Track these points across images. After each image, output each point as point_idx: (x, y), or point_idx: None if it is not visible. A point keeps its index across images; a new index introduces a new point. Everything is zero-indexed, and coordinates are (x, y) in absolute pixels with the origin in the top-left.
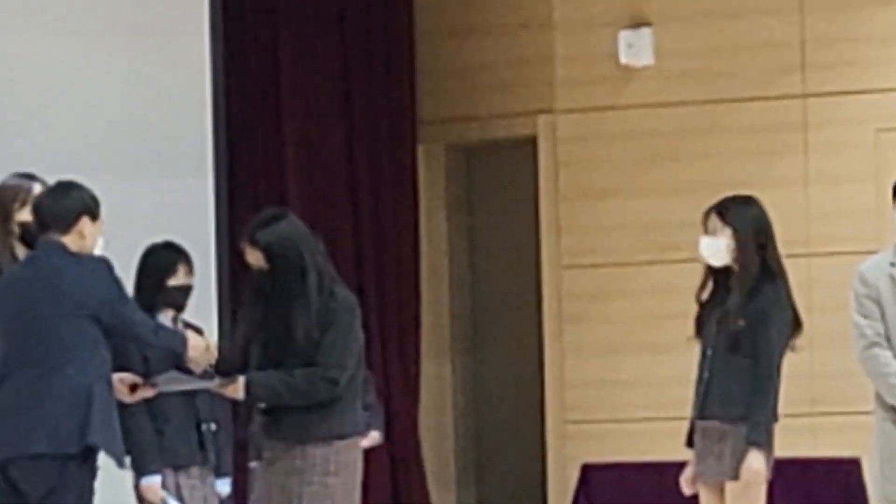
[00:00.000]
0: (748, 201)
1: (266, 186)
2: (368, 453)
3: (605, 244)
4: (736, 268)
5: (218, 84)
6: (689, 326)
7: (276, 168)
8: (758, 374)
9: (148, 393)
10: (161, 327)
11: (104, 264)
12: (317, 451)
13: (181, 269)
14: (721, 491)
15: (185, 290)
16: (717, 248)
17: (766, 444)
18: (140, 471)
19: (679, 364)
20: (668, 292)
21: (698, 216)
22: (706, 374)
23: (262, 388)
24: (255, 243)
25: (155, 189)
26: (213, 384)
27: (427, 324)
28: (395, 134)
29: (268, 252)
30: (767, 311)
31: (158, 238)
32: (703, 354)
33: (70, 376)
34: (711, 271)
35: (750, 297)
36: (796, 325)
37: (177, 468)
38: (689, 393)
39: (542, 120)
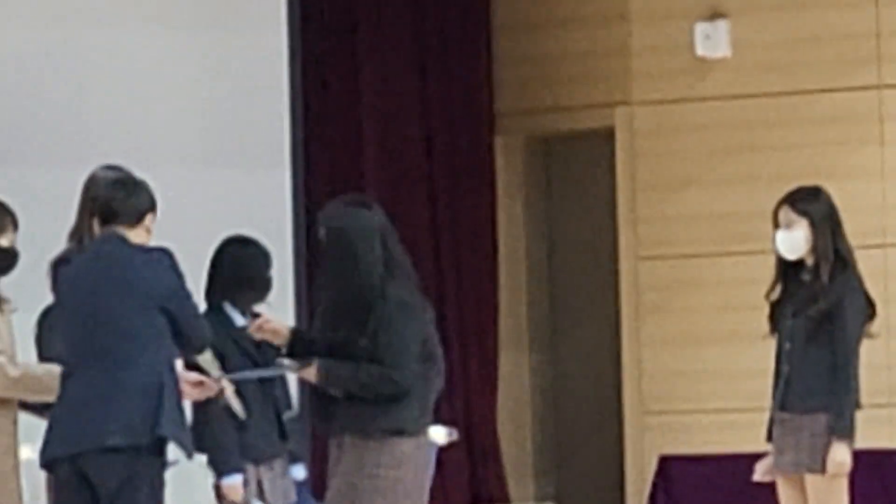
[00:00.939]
0: (818, 191)
1: (343, 178)
2: (447, 446)
3: (682, 235)
4: (810, 259)
5: (295, 75)
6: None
7: (353, 159)
8: (836, 363)
9: (212, 391)
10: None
11: (169, 256)
12: (379, 445)
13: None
14: (800, 484)
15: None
16: (795, 241)
17: (849, 435)
18: (221, 470)
19: (757, 355)
20: (746, 282)
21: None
22: (785, 368)
23: (333, 376)
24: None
25: (232, 180)
26: (291, 367)
27: (505, 316)
28: (473, 126)
29: (326, 235)
30: (843, 298)
31: (235, 229)
32: (781, 348)
33: (140, 368)
34: (781, 267)
35: (825, 289)
36: (871, 311)
37: (258, 462)
38: (767, 384)
39: (619, 111)
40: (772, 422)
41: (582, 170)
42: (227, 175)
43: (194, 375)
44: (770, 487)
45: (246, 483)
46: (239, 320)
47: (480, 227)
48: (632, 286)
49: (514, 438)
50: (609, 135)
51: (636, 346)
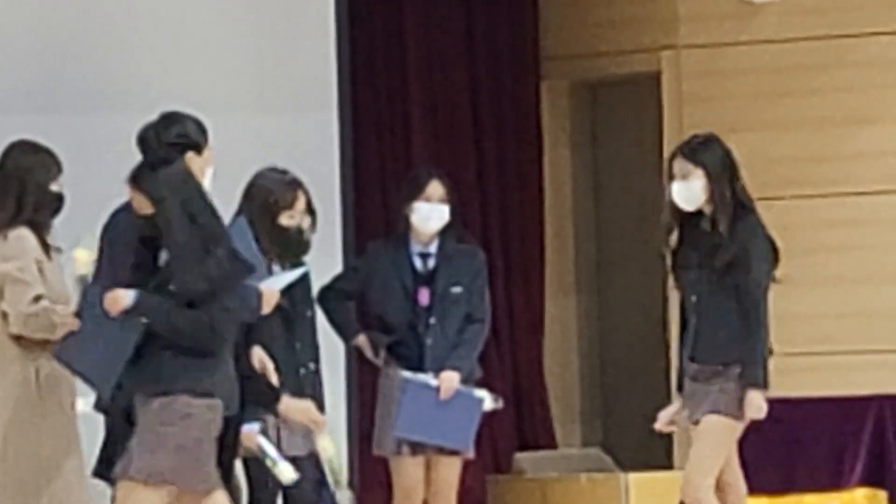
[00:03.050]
0: (712, 140)
1: (389, 123)
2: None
3: None
4: (708, 209)
5: (341, 19)
6: (814, 261)
7: (399, 105)
8: (745, 312)
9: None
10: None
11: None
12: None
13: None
14: None
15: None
16: (692, 191)
17: (763, 384)
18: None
19: (805, 300)
20: (794, 227)
21: (822, 151)
22: (693, 319)
23: None
24: None
25: (279, 124)
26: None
27: (551, 262)
28: (519, 71)
29: None
30: (746, 246)
31: None
32: (687, 300)
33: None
34: (678, 218)
35: (727, 238)
36: (775, 256)
37: (277, 413)
38: (819, 327)
39: (665, 56)
40: (681, 372)
41: (628, 114)
42: (273, 119)
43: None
44: (818, 432)
45: (266, 431)
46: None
47: (526, 171)
48: None
49: (561, 384)
50: (655, 79)
51: None
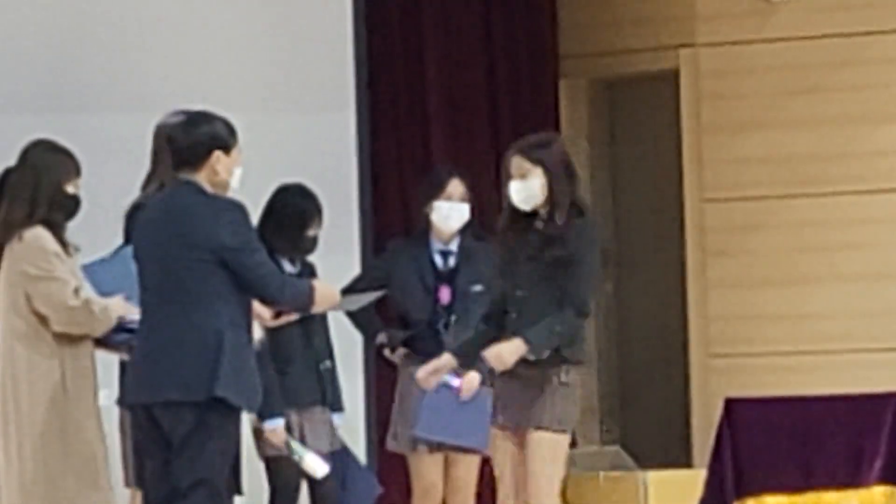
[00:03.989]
0: (550, 139)
1: (407, 122)
2: None
3: (747, 177)
4: (545, 209)
5: (359, 17)
6: (833, 259)
7: (417, 104)
8: (569, 313)
9: (292, 315)
10: (288, 282)
11: (237, 209)
12: None
13: (316, 220)
14: (521, 438)
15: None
16: (530, 190)
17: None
18: (263, 414)
19: (823, 297)
20: (812, 225)
21: (841, 149)
22: (513, 315)
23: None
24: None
25: (297, 124)
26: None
27: None
28: (537, 69)
29: None
30: (579, 248)
31: (300, 173)
32: (512, 294)
33: (198, 322)
34: (515, 217)
35: (561, 235)
36: (604, 262)
37: (300, 409)
38: (833, 326)
39: (683, 53)
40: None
41: (646, 112)
42: (291, 119)
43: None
44: (837, 430)
45: (289, 428)
46: (288, 267)
47: None
48: (697, 228)
49: (579, 382)
50: (674, 77)
51: (702, 289)
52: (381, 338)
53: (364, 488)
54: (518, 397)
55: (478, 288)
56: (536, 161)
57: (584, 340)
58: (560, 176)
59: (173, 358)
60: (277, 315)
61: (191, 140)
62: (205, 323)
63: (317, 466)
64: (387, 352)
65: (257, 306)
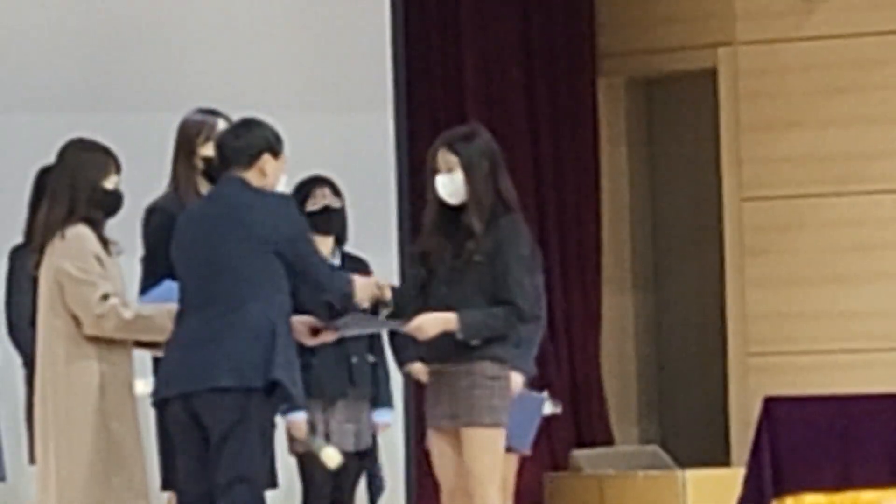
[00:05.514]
0: (473, 133)
1: (446, 122)
2: (548, 387)
3: (786, 176)
4: (469, 202)
5: (397, 17)
6: (871, 258)
7: (455, 103)
8: (507, 313)
9: (330, 337)
10: (336, 272)
11: (289, 201)
12: None
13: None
14: (455, 438)
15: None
16: (455, 185)
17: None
18: (285, 407)
19: (862, 296)
20: (851, 224)
21: (879, 147)
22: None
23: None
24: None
25: (335, 124)
26: (397, 324)
27: (608, 256)
28: (575, 67)
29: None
30: (503, 242)
31: (338, 174)
32: (437, 292)
33: (255, 312)
34: (442, 210)
35: (486, 231)
36: (533, 258)
37: (330, 403)
38: (872, 324)
39: (722, 52)
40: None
41: (685, 111)
42: (329, 119)
43: (310, 319)
44: (876, 428)
45: (312, 423)
46: (329, 259)
47: (583, 168)
48: (735, 227)
49: (618, 381)
50: (712, 75)
51: (740, 287)
52: (415, 368)
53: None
54: (448, 395)
55: None
56: (460, 154)
57: (524, 343)
58: (480, 171)
59: (225, 346)
60: (315, 333)
61: (243, 141)
62: (258, 313)
63: (332, 458)
64: (423, 378)
65: (297, 326)
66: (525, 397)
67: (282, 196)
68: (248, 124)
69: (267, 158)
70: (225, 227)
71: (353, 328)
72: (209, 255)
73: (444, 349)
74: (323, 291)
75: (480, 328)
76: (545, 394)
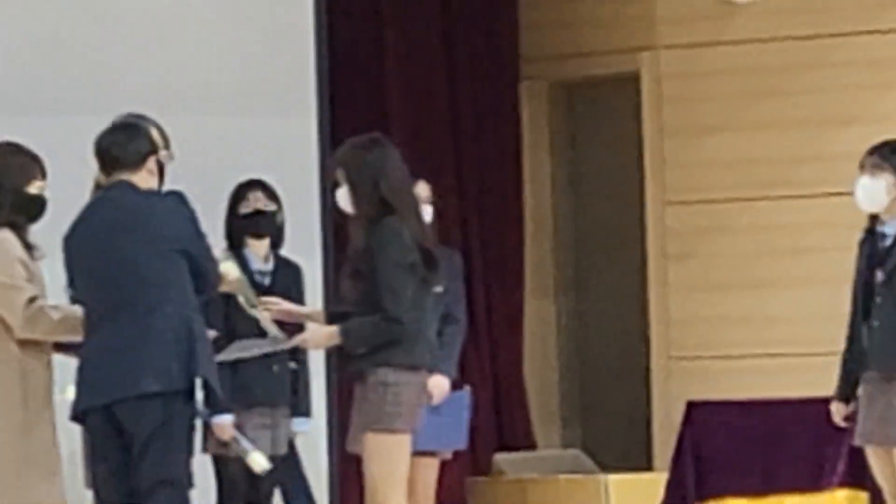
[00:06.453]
0: (358, 143)
1: (368, 126)
2: (473, 393)
3: (708, 180)
4: (353, 215)
5: (321, 23)
6: (794, 262)
7: (378, 106)
8: (378, 318)
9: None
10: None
11: (184, 200)
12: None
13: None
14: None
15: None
16: (346, 198)
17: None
18: (212, 409)
19: (784, 301)
20: (773, 228)
21: (803, 152)
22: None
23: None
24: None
25: (258, 128)
26: (283, 342)
27: (531, 261)
28: (498, 71)
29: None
30: (377, 244)
31: (259, 176)
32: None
33: (170, 313)
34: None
35: (368, 238)
36: (423, 262)
37: (248, 408)
38: (794, 329)
39: (644, 56)
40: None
41: (607, 115)
42: (253, 122)
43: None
44: (799, 433)
45: (240, 426)
46: (256, 263)
47: (506, 172)
48: (658, 232)
49: (541, 385)
50: (634, 80)
51: (663, 292)
52: None
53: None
54: (356, 403)
55: (438, 290)
56: (343, 167)
57: (416, 343)
58: (362, 183)
59: (146, 351)
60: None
61: (130, 144)
62: (174, 313)
63: (259, 463)
64: None
65: None
66: (449, 398)
67: (176, 195)
68: (129, 126)
69: (153, 159)
70: (125, 231)
71: (236, 354)
72: (113, 262)
73: (342, 361)
74: (211, 291)
75: (361, 337)
76: (467, 388)
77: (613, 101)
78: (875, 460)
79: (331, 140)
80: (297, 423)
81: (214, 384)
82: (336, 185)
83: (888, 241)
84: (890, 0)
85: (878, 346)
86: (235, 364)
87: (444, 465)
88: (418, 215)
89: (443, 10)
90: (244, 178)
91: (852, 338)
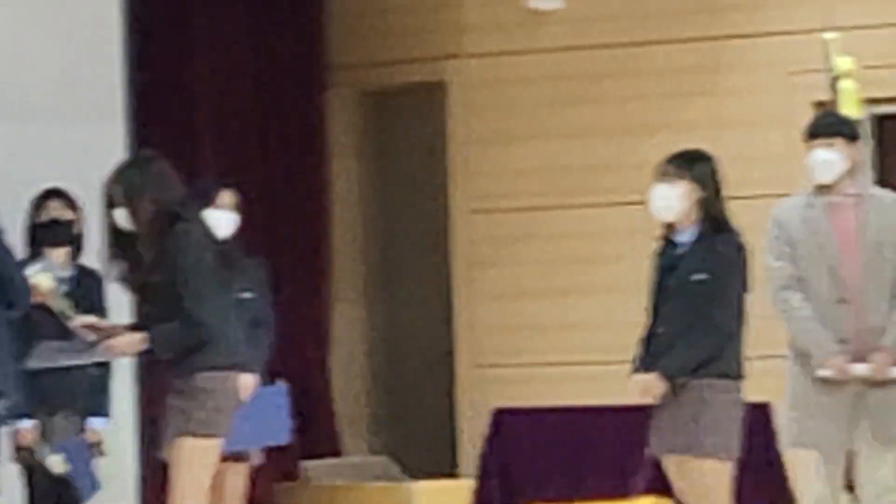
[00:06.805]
0: (130, 161)
1: (176, 134)
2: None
3: (514, 188)
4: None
5: (129, 29)
6: (596, 270)
7: (185, 114)
8: (180, 324)
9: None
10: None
11: None
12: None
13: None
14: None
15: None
16: (125, 219)
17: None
18: (14, 415)
19: (586, 308)
20: (576, 236)
21: (607, 160)
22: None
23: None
24: None
25: (67, 134)
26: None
27: (338, 269)
28: (305, 79)
29: None
30: (177, 252)
31: (68, 183)
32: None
33: None
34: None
35: (157, 250)
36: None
37: (50, 413)
38: (601, 336)
39: (451, 64)
40: None
41: (414, 123)
42: (61, 128)
43: None
44: (603, 440)
45: (43, 431)
46: (59, 271)
47: (313, 179)
48: (464, 240)
49: (348, 392)
50: (442, 88)
51: (469, 300)
52: None
53: (86, 485)
54: (168, 408)
55: (247, 294)
56: (119, 184)
57: (222, 344)
58: (135, 198)
59: None
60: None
61: None
62: None
63: (56, 464)
64: None
65: None
66: (265, 394)
67: None
68: None
69: None
70: None
71: (45, 362)
72: None
73: (151, 366)
74: (21, 308)
75: (168, 341)
76: (281, 383)
77: (421, 109)
78: (671, 469)
79: (138, 147)
80: (96, 423)
81: (9, 394)
82: (112, 205)
83: (682, 250)
84: (694, 9)
85: (664, 354)
86: (34, 371)
87: (252, 472)
88: (202, 220)
89: (252, 18)
90: (50, 185)
91: (648, 343)
